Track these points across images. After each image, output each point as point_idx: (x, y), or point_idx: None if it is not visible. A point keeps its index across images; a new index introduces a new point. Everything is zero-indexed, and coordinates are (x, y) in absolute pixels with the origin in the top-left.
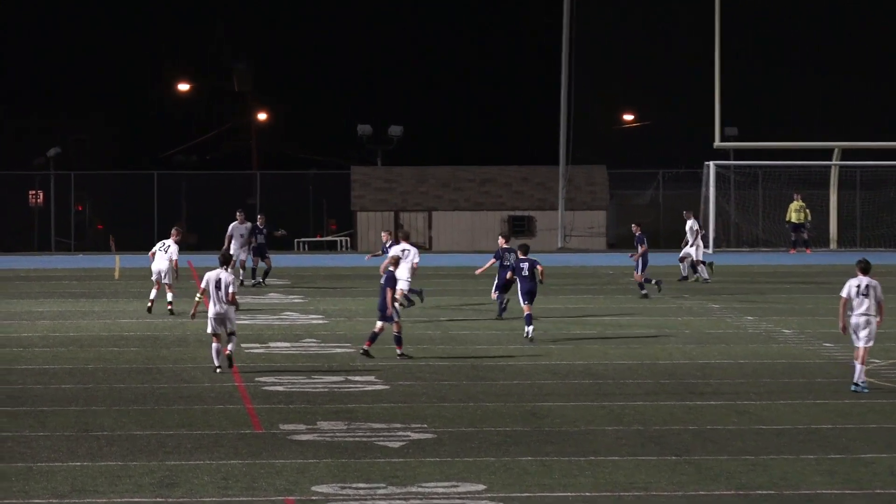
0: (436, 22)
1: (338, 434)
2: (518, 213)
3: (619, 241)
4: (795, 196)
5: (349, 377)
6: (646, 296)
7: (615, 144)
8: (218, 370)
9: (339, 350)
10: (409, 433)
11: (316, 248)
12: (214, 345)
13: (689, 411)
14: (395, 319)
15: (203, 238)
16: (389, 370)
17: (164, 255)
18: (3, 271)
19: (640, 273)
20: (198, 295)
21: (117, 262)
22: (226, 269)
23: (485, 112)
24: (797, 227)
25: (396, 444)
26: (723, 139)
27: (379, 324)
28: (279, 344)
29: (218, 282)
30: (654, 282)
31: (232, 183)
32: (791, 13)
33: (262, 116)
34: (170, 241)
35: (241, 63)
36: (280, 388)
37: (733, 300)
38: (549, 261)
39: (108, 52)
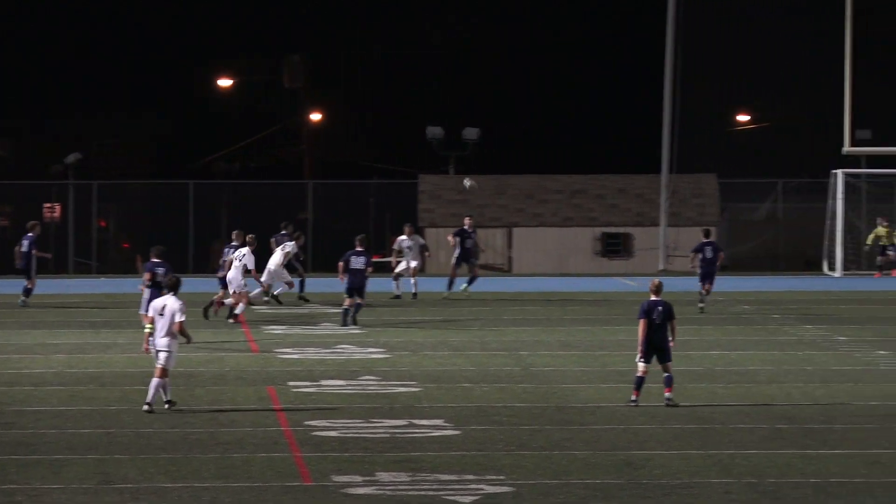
0: (516, 8)
1: (400, 487)
2: (613, 229)
3: (732, 263)
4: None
5: (413, 421)
6: None
7: (727, 150)
8: (146, 408)
9: (402, 389)
10: (482, 486)
11: (378, 269)
12: (156, 380)
13: (809, 462)
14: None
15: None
16: (460, 413)
17: (239, 264)
18: (14, 297)
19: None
20: (146, 326)
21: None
22: (173, 295)
23: (575, 112)
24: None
25: (468, 499)
26: (853, 144)
27: (642, 366)
28: (332, 382)
29: (163, 308)
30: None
31: (281, 194)
32: None
33: (315, 117)
34: (245, 250)
35: (292, 54)
36: (333, 434)
37: (863, 332)
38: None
39: (135, 41)
